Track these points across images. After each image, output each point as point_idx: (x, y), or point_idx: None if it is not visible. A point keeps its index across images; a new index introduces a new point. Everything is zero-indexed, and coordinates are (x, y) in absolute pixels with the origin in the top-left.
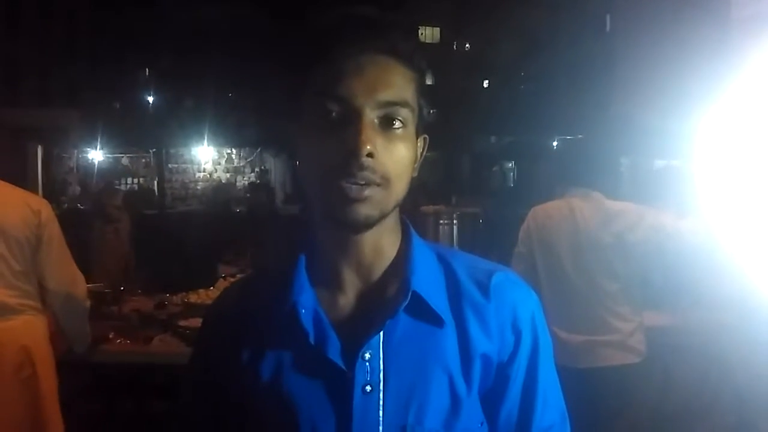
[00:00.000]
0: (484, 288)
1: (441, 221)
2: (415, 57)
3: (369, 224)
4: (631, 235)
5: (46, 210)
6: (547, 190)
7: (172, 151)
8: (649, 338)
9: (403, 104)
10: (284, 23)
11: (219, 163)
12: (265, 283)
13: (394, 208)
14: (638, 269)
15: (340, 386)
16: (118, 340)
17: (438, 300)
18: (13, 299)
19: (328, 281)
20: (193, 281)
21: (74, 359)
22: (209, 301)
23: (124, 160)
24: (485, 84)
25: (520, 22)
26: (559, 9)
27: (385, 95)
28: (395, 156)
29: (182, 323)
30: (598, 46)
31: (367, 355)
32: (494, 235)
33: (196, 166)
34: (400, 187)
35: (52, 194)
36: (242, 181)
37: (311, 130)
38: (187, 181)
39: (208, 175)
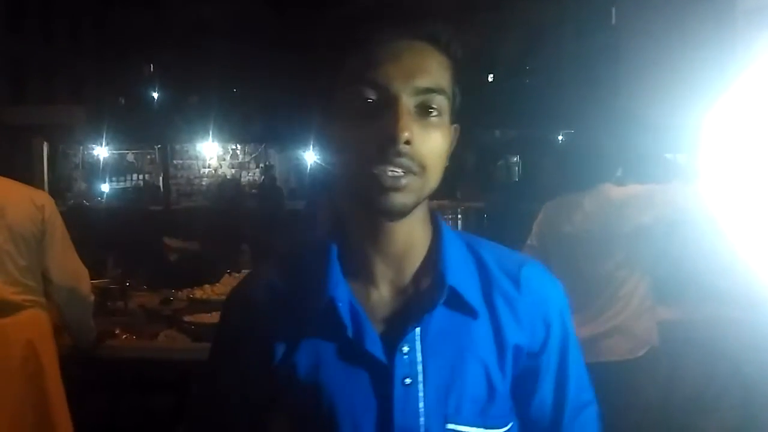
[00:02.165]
0: (514, 279)
1: (446, 216)
2: (452, 44)
3: (404, 213)
4: (645, 218)
5: (49, 205)
6: (552, 185)
7: (177, 147)
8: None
9: (440, 91)
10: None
11: (224, 159)
12: (295, 273)
13: (427, 196)
14: (652, 257)
15: (379, 379)
16: (124, 336)
17: (472, 293)
18: (19, 295)
19: (360, 273)
20: (199, 277)
21: (81, 355)
22: (215, 297)
23: (130, 157)
24: (490, 78)
25: (524, 15)
26: (565, 2)
27: (423, 82)
28: (431, 144)
29: (188, 319)
30: (604, 39)
31: (405, 348)
32: (499, 229)
33: (201, 162)
34: (435, 176)
35: (57, 191)
36: (247, 177)
37: (347, 118)
38: (192, 177)
39: (213, 171)
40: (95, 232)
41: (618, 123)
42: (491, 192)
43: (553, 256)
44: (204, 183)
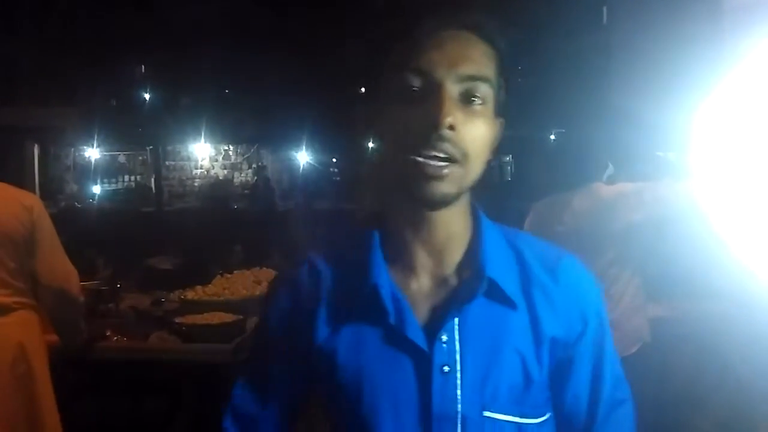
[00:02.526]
0: (551, 272)
1: None
2: (496, 35)
3: (445, 202)
4: (635, 215)
5: (37, 206)
6: (543, 184)
7: (169, 148)
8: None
9: (484, 80)
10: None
11: (216, 160)
12: (339, 260)
13: (470, 187)
14: (643, 255)
15: (418, 366)
16: (115, 338)
17: (511, 284)
18: (8, 297)
19: (401, 262)
20: (191, 278)
21: (71, 357)
22: (206, 298)
23: (121, 158)
24: None
25: (516, 15)
26: (556, 2)
27: (466, 69)
28: (475, 132)
29: (179, 320)
30: (595, 39)
31: (444, 337)
32: None
33: (193, 163)
34: (477, 166)
35: (48, 193)
36: (240, 178)
37: (392, 105)
38: (184, 178)
39: (206, 172)
40: (86, 234)
41: (609, 122)
42: (484, 191)
43: None
44: (196, 184)
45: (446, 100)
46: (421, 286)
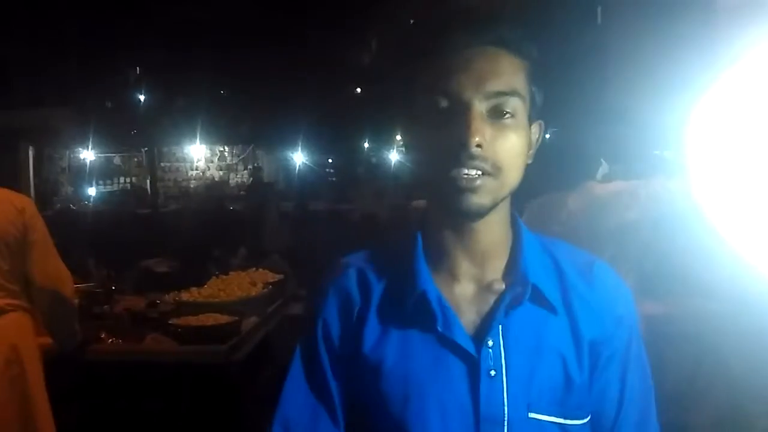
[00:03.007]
0: (586, 278)
1: None
2: (523, 45)
3: (481, 213)
4: (630, 213)
5: (30, 207)
6: (539, 183)
7: (164, 149)
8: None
9: (512, 93)
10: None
11: (212, 161)
12: (385, 267)
13: (506, 197)
14: (638, 253)
15: (466, 370)
16: (110, 340)
17: (552, 290)
18: (2, 299)
19: (444, 269)
20: (186, 279)
21: (66, 358)
22: (201, 300)
23: (117, 160)
24: None
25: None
26: (550, 1)
27: (493, 86)
28: (506, 145)
29: (174, 321)
30: (590, 39)
31: (490, 342)
32: None
33: (188, 165)
34: (512, 176)
35: (44, 195)
36: (235, 179)
37: (423, 124)
38: (180, 179)
39: (201, 174)
40: (82, 236)
41: (604, 120)
42: None
43: None
44: (192, 185)
45: (474, 120)
46: (464, 293)
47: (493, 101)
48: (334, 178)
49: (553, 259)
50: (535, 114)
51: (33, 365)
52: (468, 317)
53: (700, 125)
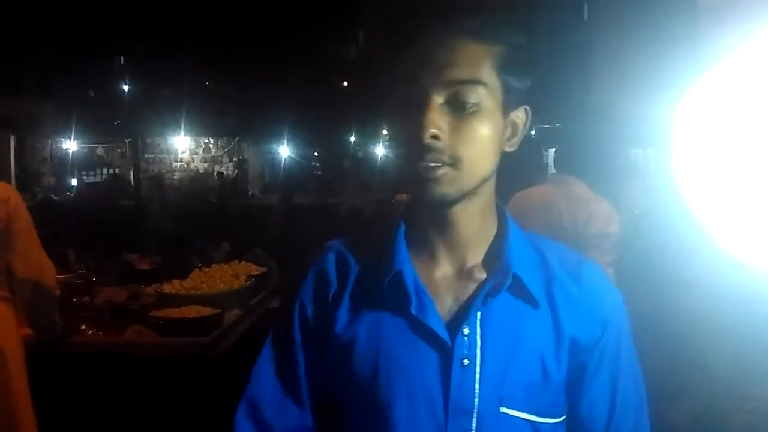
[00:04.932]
0: (575, 276)
1: None
2: (487, 31)
3: (446, 202)
4: (610, 228)
5: (14, 197)
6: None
7: (148, 140)
8: None
9: (474, 82)
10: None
11: (196, 153)
12: (365, 249)
13: (478, 186)
14: (618, 252)
15: (439, 358)
16: (91, 331)
17: (534, 282)
18: None
19: (424, 254)
20: (168, 272)
21: (46, 350)
22: (183, 292)
23: (99, 150)
24: None
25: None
26: None
27: (451, 75)
28: (468, 137)
29: (156, 313)
30: (577, 35)
31: (466, 330)
32: None
33: (172, 156)
34: (478, 167)
35: (25, 185)
36: (221, 171)
37: (390, 113)
38: (163, 171)
39: (185, 165)
40: (64, 227)
41: (589, 118)
42: None
43: None
44: (176, 177)
45: (429, 111)
46: (443, 279)
47: (453, 90)
48: (320, 172)
49: (540, 254)
50: (513, 101)
51: (14, 357)
52: (445, 303)
53: (682, 123)
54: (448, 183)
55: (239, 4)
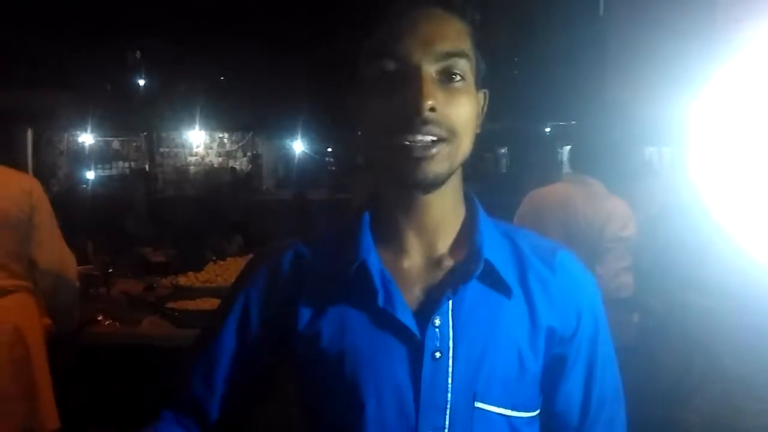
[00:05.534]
0: (549, 263)
1: None
2: (467, 9)
3: (437, 182)
4: (626, 232)
5: (37, 189)
6: (539, 176)
7: (163, 134)
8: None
9: (461, 55)
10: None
11: (211, 147)
12: (327, 241)
13: (460, 164)
14: (633, 253)
15: (408, 351)
16: (107, 322)
17: (507, 270)
18: (7, 280)
19: (393, 244)
20: (183, 265)
21: (63, 340)
22: (198, 284)
23: (115, 144)
24: None
25: (513, 7)
26: None
27: (442, 47)
28: (459, 109)
29: (171, 305)
30: (592, 32)
31: (437, 321)
32: None
33: (187, 150)
34: (465, 142)
35: (42, 177)
36: (234, 166)
37: (372, 92)
38: (178, 165)
39: (200, 160)
40: (79, 219)
41: (604, 115)
42: (479, 183)
43: None
44: (191, 171)
45: (425, 83)
46: (412, 268)
47: (443, 63)
48: (333, 168)
49: (512, 242)
50: (480, 81)
51: (37, 346)
52: (414, 293)
53: (698, 120)
54: (442, 159)
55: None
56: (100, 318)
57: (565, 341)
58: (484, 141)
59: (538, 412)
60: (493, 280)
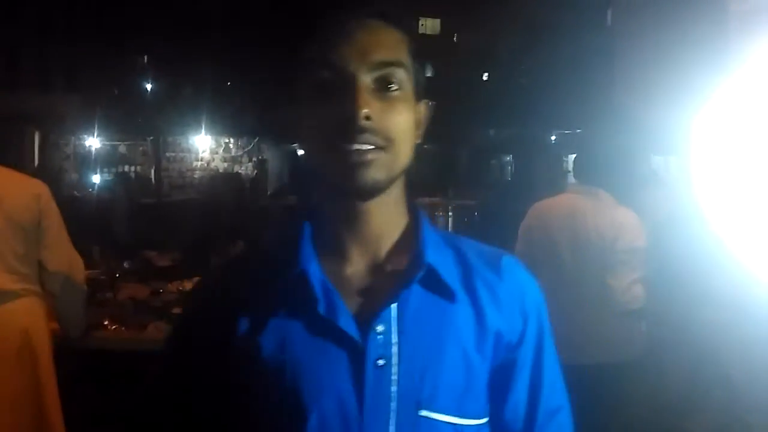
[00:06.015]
0: (495, 268)
1: (436, 213)
2: (403, 19)
3: (375, 189)
4: (638, 243)
5: (45, 193)
6: (544, 185)
7: (169, 139)
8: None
9: (397, 64)
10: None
11: (216, 153)
12: (267, 251)
13: (400, 174)
14: (643, 264)
15: (350, 360)
16: (113, 327)
17: (451, 274)
18: (15, 284)
19: (334, 253)
20: (189, 270)
21: (69, 345)
22: None
23: (122, 148)
24: (485, 77)
25: (521, 14)
26: (561, 2)
27: (377, 56)
28: (395, 118)
29: (177, 311)
30: (599, 40)
31: (380, 328)
32: (489, 228)
33: (193, 155)
34: (404, 151)
35: (48, 181)
36: (239, 171)
37: (309, 100)
38: (184, 169)
39: (206, 164)
40: (86, 223)
41: (611, 124)
42: (483, 190)
43: (540, 261)
44: (196, 176)
45: (360, 91)
46: (354, 276)
47: (379, 72)
48: None
49: (457, 251)
50: (420, 92)
51: (44, 350)
52: (357, 301)
53: (705, 130)
54: (379, 167)
55: (260, 4)
56: (106, 322)
57: (513, 346)
58: (488, 148)
59: (486, 420)
60: (437, 284)
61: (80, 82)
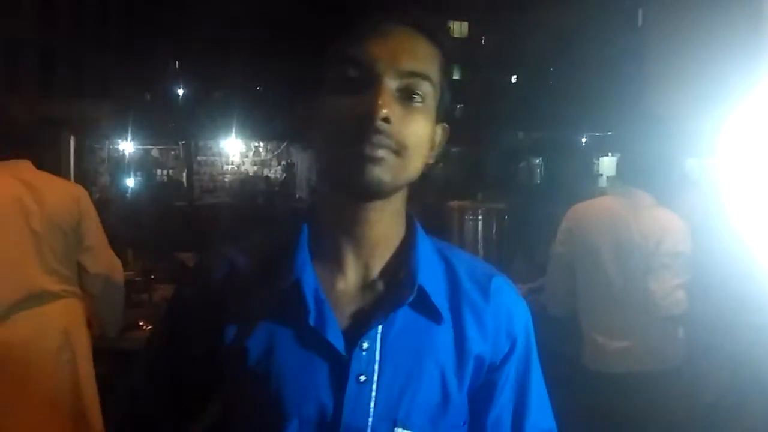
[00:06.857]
0: (483, 290)
1: (466, 216)
2: (439, 34)
3: (380, 190)
4: (682, 246)
5: (84, 197)
6: (574, 188)
7: (200, 143)
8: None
9: (425, 77)
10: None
11: (246, 156)
12: (261, 255)
13: (405, 184)
14: (683, 274)
15: (333, 372)
16: (148, 328)
17: (439, 296)
18: (56, 285)
19: (329, 262)
20: None
21: (104, 345)
22: None
23: (154, 152)
24: (513, 79)
25: (549, 16)
26: (590, 3)
27: (407, 65)
28: (412, 127)
29: None
30: (630, 42)
31: (365, 345)
32: (519, 231)
33: (224, 159)
34: (415, 161)
35: (83, 185)
36: (269, 175)
37: (331, 96)
38: (215, 173)
39: (236, 168)
40: (120, 226)
41: (644, 126)
42: (513, 193)
43: (580, 265)
44: (227, 179)
45: (383, 93)
46: (346, 290)
47: (405, 81)
48: None
49: (448, 267)
50: (441, 112)
51: (83, 350)
52: (346, 315)
53: (740, 132)
54: (388, 168)
55: (291, 10)
56: (141, 323)
57: (494, 368)
58: (518, 151)
59: None
60: (424, 306)
61: (113, 88)
